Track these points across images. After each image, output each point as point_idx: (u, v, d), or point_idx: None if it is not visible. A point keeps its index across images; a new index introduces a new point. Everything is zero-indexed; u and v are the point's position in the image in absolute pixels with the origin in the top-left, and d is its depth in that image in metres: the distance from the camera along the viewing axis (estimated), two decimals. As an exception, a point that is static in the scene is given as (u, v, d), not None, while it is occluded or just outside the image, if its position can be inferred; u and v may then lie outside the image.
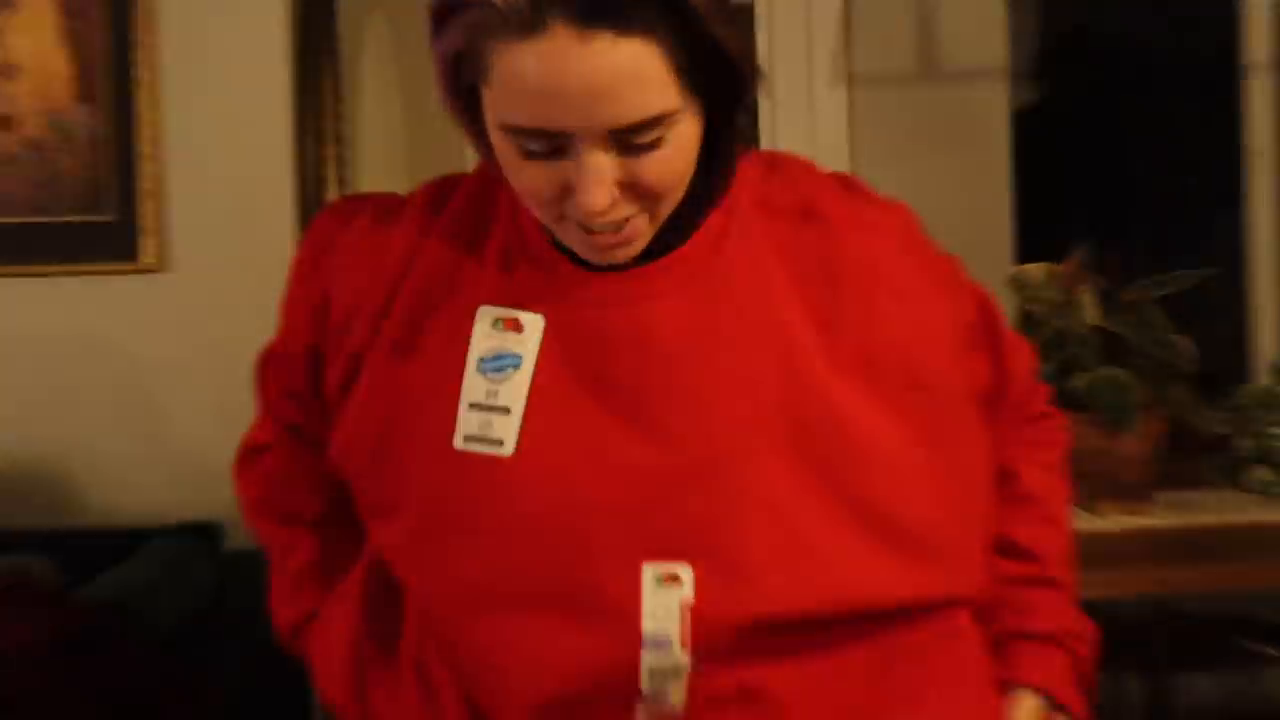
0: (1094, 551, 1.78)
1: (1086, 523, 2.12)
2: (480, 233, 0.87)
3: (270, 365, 0.95)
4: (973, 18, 2.82)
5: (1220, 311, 2.82)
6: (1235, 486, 2.33)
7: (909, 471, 0.83)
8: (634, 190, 0.76)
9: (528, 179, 0.77)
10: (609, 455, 0.81)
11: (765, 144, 2.86)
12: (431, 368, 0.84)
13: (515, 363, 0.83)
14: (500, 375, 0.83)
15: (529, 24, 0.69)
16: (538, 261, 0.84)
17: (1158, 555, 2.10)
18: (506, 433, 0.81)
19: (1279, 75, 2.92)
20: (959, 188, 2.81)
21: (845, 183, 0.92)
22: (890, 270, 0.86)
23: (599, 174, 0.74)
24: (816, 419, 0.81)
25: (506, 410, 0.82)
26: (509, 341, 0.83)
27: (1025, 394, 0.98)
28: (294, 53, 2.33)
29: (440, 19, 0.75)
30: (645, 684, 0.78)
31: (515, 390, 0.82)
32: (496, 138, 0.77)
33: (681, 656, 0.77)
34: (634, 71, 0.70)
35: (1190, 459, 2.37)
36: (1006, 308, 2.01)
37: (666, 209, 0.79)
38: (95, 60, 2.28)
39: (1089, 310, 2.14)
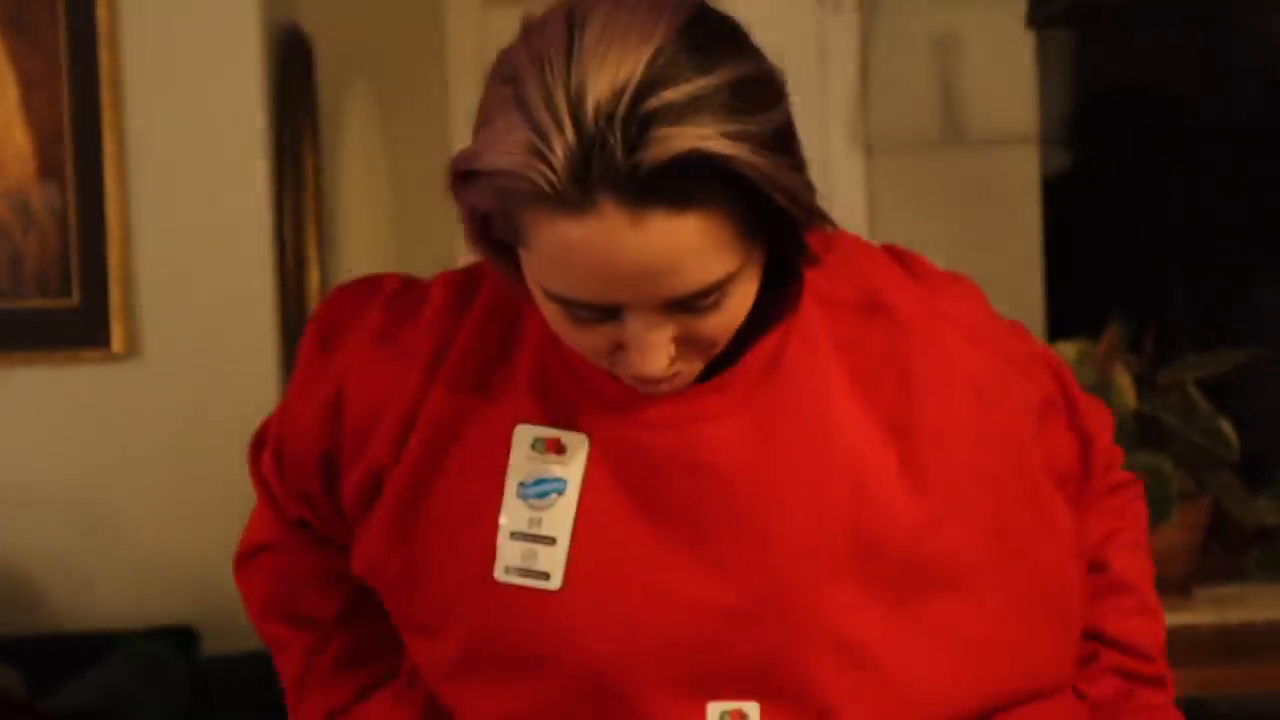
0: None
1: (1122, 617, 2.18)
2: (510, 337, 0.83)
3: (274, 459, 0.91)
4: (999, 80, 2.83)
5: (1268, 392, 2.68)
6: (1284, 584, 2.29)
7: (986, 580, 0.81)
8: (690, 344, 0.73)
9: (577, 338, 0.75)
10: (665, 588, 0.78)
11: (778, 213, 2.82)
12: (464, 491, 0.81)
13: (559, 488, 0.80)
14: (543, 501, 0.79)
15: (575, 203, 0.64)
16: (577, 375, 0.81)
17: (1197, 655, 2.05)
18: (553, 565, 0.79)
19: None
20: (986, 258, 2.62)
21: (906, 263, 0.88)
22: (962, 363, 0.83)
23: (656, 343, 0.71)
24: (886, 539, 0.78)
25: (552, 540, 0.79)
26: (551, 465, 0.81)
27: (1107, 460, 0.95)
28: (271, 123, 2.32)
29: (461, 175, 0.70)
30: None
31: (560, 518, 0.79)
32: (539, 296, 0.73)
33: None
34: (695, 247, 0.67)
35: (1234, 552, 2.32)
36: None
37: (721, 348, 0.77)
38: (58, 135, 2.26)
39: (1125, 393, 2.13)
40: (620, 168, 0.62)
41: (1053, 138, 2.94)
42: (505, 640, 0.80)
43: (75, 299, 2.26)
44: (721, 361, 0.78)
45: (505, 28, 1.20)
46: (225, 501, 1.47)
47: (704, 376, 0.78)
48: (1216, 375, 2.19)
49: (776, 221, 0.70)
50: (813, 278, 0.80)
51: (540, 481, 0.79)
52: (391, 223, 2.90)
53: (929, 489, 0.79)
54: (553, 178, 0.63)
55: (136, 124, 2.25)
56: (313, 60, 2.50)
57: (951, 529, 0.80)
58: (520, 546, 0.78)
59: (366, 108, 2.90)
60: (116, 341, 2.24)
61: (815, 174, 1.85)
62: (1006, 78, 2.82)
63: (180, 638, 2.16)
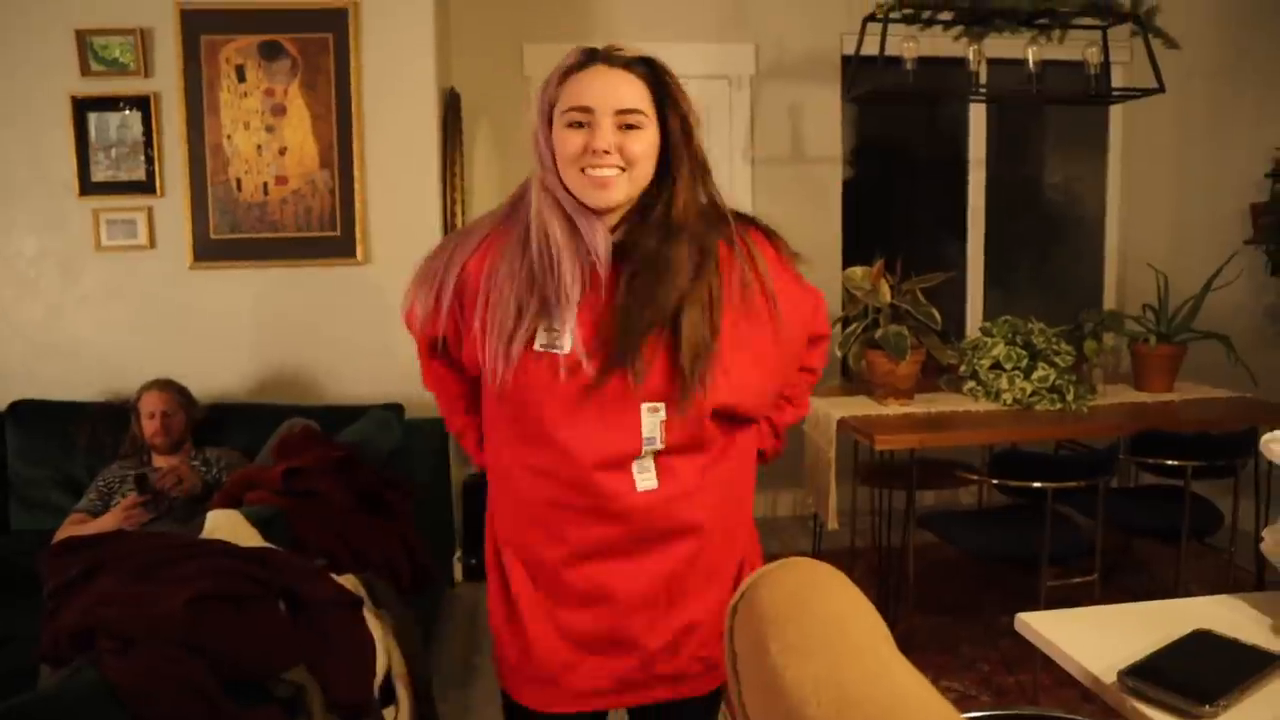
0: (883, 424, 2.48)
1: (879, 409, 2.68)
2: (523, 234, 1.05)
3: (415, 309, 1.14)
4: (821, 127, 3.62)
5: (952, 297, 3.57)
6: (957, 391, 2.93)
7: (750, 354, 1.08)
8: (621, 154, 0.99)
9: (568, 141, 1.00)
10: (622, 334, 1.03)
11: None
12: (504, 305, 1.04)
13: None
14: None
15: (586, 64, 1.01)
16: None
17: (916, 427, 2.55)
18: (565, 342, 1.03)
19: (988, 169, 3.78)
20: (812, 225, 3.55)
21: (761, 235, 1.12)
22: (753, 278, 1.09)
23: (606, 133, 0.99)
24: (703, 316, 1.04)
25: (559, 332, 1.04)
26: None
27: (816, 340, 1.20)
28: (440, 139, 2.92)
29: (547, 85, 1.03)
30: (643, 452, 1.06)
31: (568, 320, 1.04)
32: (558, 127, 1.01)
33: (660, 445, 1.05)
34: (631, 88, 1.00)
35: (935, 376, 2.98)
36: (838, 294, 2.84)
37: (634, 175, 1.01)
38: (330, 145, 2.86)
39: (885, 293, 2.65)
40: (609, 57, 0.99)
41: (847, 160, 3.67)
42: (542, 378, 1.04)
43: (339, 232, 2.86)
44: (648, 217, 1.04)
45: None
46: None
47: (641, 219, 1.04)
48: (929, 286, 2.71)
49: (672, 113, 1.01)
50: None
51: None
52: (496, 192, 3.23)
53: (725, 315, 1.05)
54: (577, 59, 0.99)
55: (371, 141, 2.86)
56: (461, 106, 3.10)
57: (733, 332, 1.06)
58: (545, 334, 1.04)
59: (487, 132, 3.45)
60: (359, 255, 2.87)
61: (725, 176, 3.02)
62: (824, 126, 3.58)
63: (395, 408, 2.69)
